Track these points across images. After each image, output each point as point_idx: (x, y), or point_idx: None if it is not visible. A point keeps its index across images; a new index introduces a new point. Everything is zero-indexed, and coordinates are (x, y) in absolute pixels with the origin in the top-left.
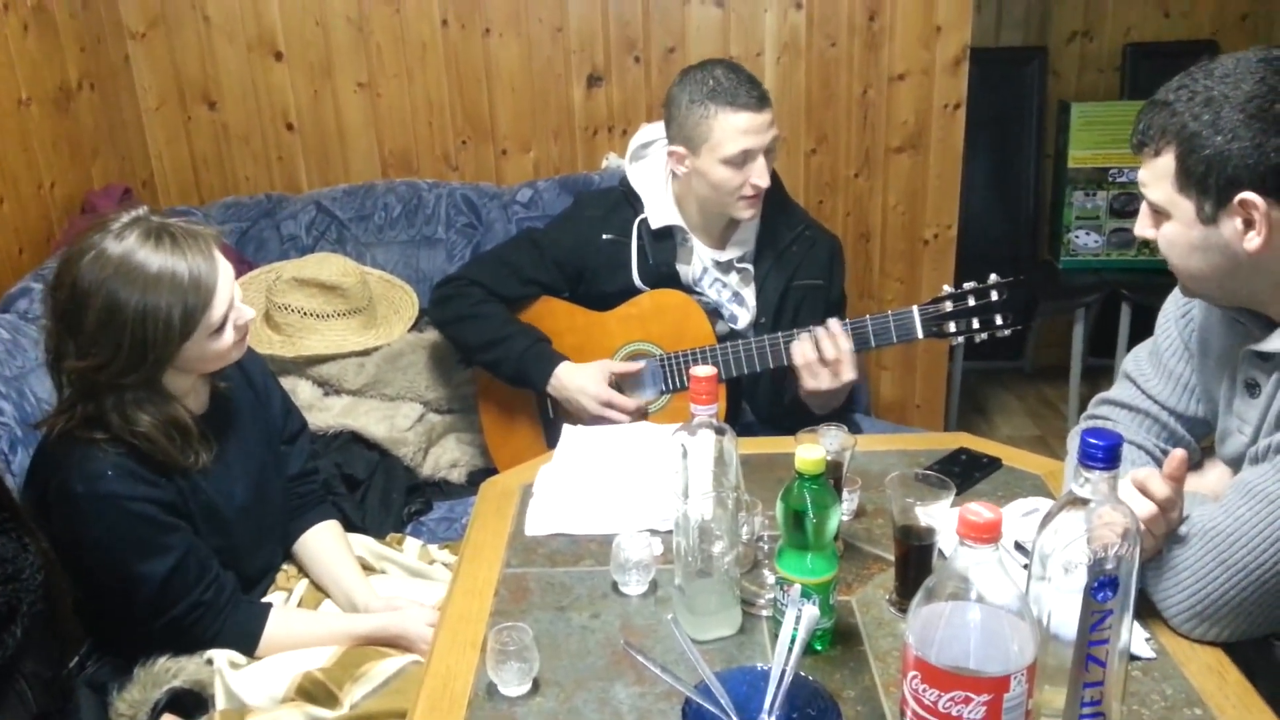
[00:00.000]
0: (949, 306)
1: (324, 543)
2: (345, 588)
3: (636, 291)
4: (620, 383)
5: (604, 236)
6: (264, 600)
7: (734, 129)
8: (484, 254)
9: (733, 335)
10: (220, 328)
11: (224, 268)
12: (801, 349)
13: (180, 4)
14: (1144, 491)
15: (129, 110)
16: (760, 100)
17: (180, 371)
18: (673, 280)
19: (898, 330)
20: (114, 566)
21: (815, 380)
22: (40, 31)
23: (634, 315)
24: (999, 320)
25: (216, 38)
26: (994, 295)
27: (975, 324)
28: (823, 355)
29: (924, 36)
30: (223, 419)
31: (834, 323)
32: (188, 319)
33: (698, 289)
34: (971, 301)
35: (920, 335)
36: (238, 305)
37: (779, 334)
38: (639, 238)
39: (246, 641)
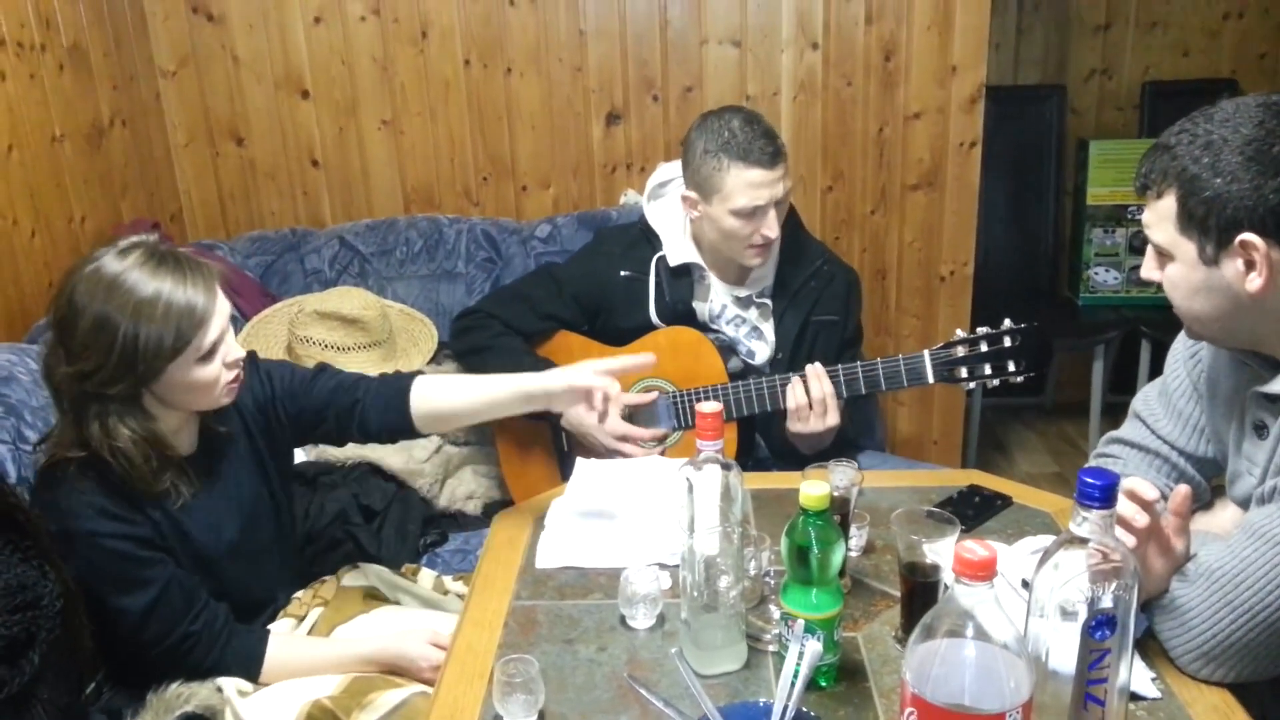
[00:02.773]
0: (961, 351)
1: (436, 385)
2: (492, 394)
3: (653, 328)
4: (633, 417)
5: (622, 274)
6: (266, 628)
7: (744, 183)
8: (503, 288)
9: (748, 371)
10: (208, 355)
11: (221, 301)
12: (794, 392)
13: (210, 44)
14: (1133, 497)
15: (159, 146)
16: (773, 157)
17: (169, 408)
18: (689, 318)
19: (908, 374)
20: (98, 601)
21: (804, 425)
22: (75, 71)
23: (647, 352)
24: (1012, 366)
25: (245, 77)
26: (1007, 341)
27: (988, 370)
28: (810, 399)
29: (940, 76)
30: (213, 458)
31: (815, 367)
32: (180, 336)
33: (714, 326)
34: (984, 347)
35: (931, 380)
36: (229, 342)
37: (790, 375)
38: (657, 275)
39: (249, 668)
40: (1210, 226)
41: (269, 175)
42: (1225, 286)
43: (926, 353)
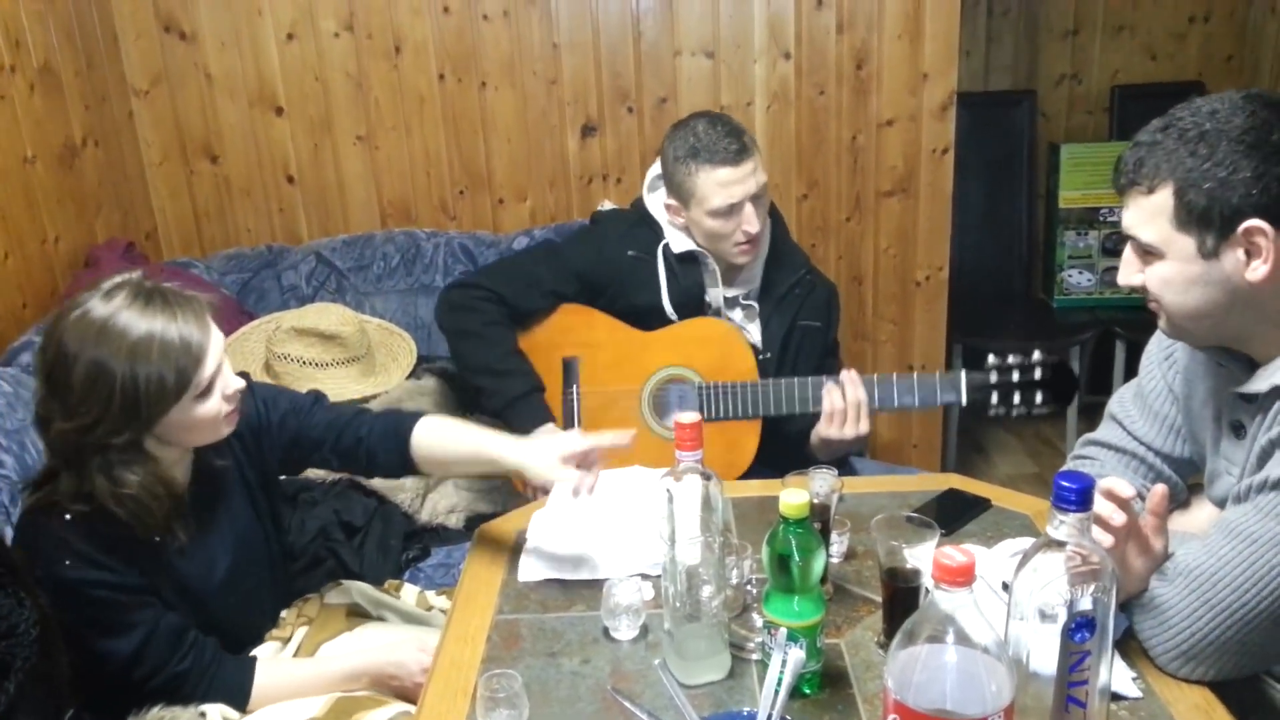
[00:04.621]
0: (995, 378)
1: (435, 431)
2: (475, 448)
3: (663, 311)
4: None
5: (629, 253)
6: (252, 653)
7: (715, 184)
8: (503, 262)
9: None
10: (206, 390)
11: (215, 333)
12: (831, 397)
13: (183, 62)
14: (1110, 496)
15: (132, 165)
16: (739, 153)
17: (164, 444)
18: (699, 305)
19: (943, 390)
20: (84, 646)
21: (838, 430)
22: (46, 91)
23: (677, 340)
24: (1039, 399)
25: (218, 94)
26: (1038, 374)
27: (1017, 399)
28: (845, 404)
29: (911, 84)
30: (206, 492)
31: (850, 374)
32: (180, 374)
33: (726, 314)
34: (1016, 376)
35: (964, 401)
36: (226, 373)
37: (823, 378)
38: (666, 262)
39: (237, 698)
40: (1213, 218)
41: (244, 192)
42: (1224, 279)
43: (963, 374)
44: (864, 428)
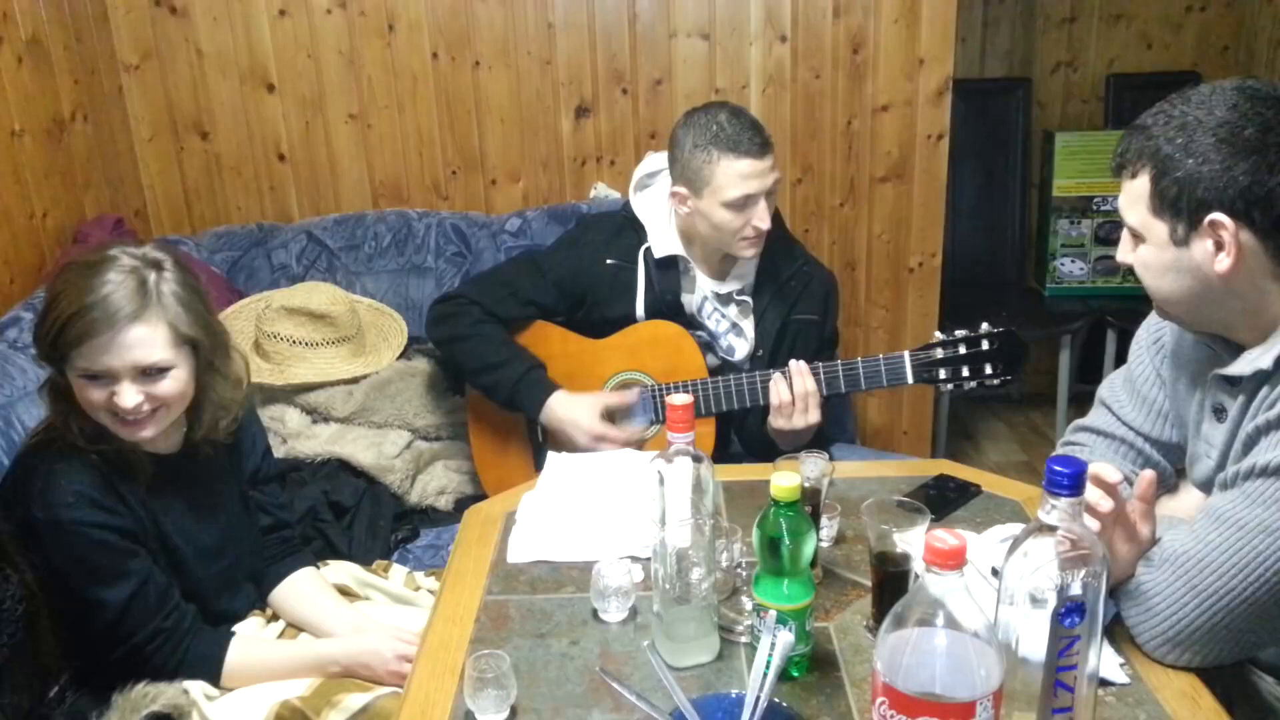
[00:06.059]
0: (940, 353)
1: (303, 587)
2: (329, 627)
3: (635, 319)
4: (612, 410)
5: (608, 261)
6: (234, 628)
7: (736, 174)
8: (484, 273)
9: (728, 368)
10: (88, 379)
11: (146, 339)
12: (777, 389)
13: (174, 37)
14: (1097, 481)
15: (122, 141)
16: (763, 147)
17: None
18: (676, 309)
19: (888, 374)
20: (75, 592)
21: (786, 421)
22: (34, 64)
23: (627, 345)
24: (989, 369)
25: (209, 70)
26: (985, 344)
27: (965, 372)
28: (793, 395)
29: (907, 69)
30: (193, 464)
31: (798, 364)
32: (65, 337)
33: (700, 318)
34: (962, 350)
35: (910, 381)
36: (125, 388)
37: (771, 371)
38: (646, 266)
39: (209, 669)
40: (1181, 207)
41: (235, 170)
42: (1194, 268)
43: (907, 354)
44: (813, 417)
